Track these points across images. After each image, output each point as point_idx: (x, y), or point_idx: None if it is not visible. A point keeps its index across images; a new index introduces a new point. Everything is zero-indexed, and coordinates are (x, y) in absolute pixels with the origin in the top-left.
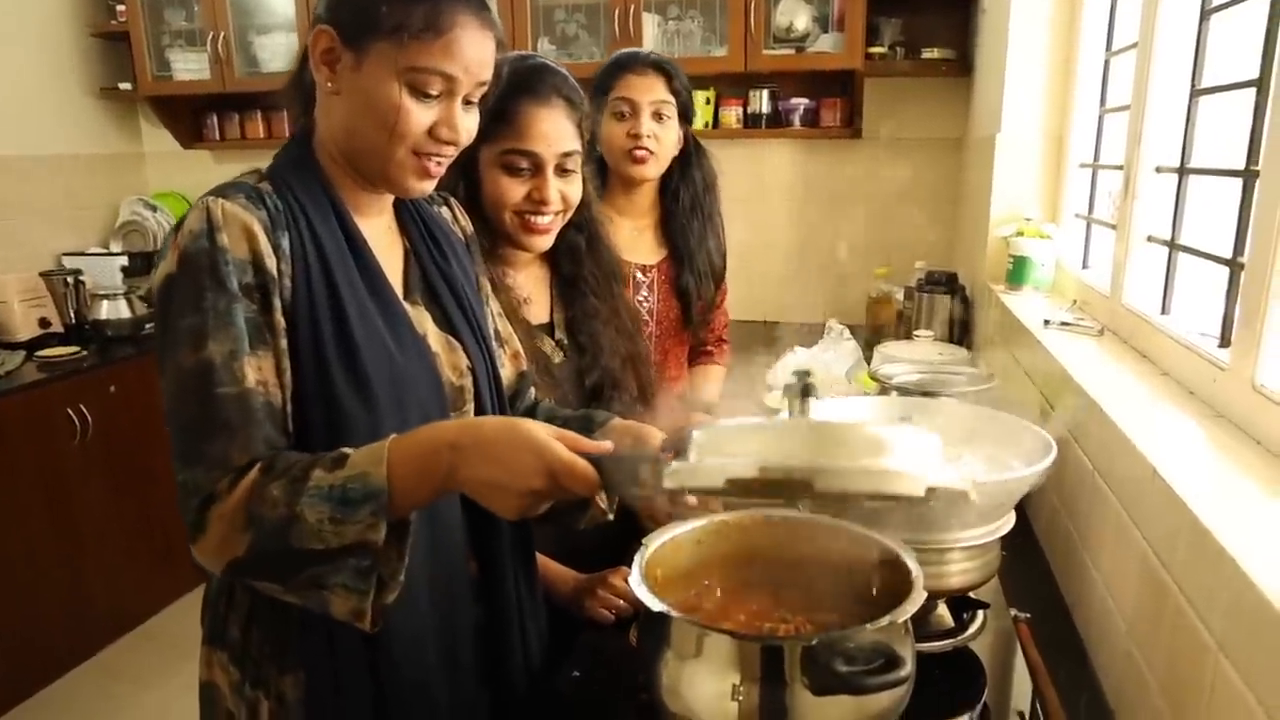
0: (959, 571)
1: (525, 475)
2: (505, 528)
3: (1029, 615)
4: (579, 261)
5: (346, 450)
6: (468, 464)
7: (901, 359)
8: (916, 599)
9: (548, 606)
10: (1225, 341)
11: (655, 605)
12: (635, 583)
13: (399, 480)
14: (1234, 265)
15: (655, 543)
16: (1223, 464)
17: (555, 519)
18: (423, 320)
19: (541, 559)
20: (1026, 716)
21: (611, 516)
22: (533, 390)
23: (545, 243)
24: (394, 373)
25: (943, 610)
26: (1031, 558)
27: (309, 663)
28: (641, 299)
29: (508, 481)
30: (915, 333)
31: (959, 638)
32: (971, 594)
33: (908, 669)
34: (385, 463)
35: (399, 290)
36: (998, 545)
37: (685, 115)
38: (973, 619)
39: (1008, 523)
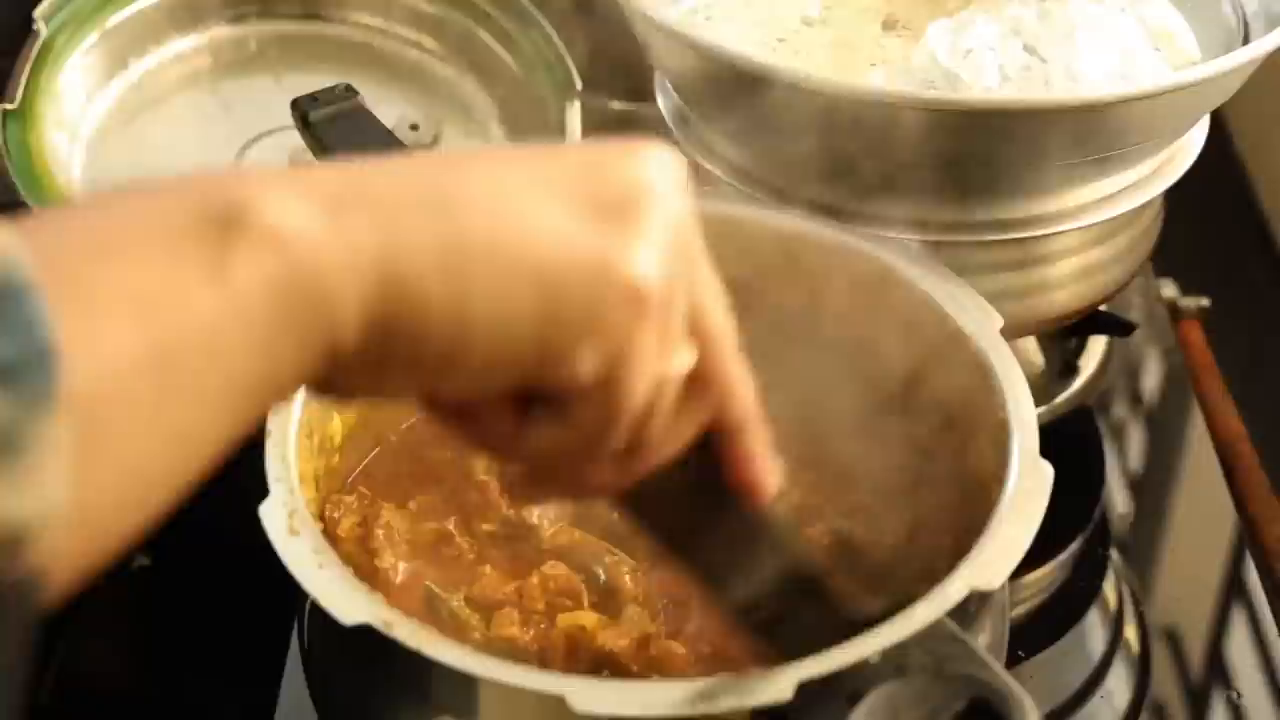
0: (1077, 274)
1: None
2: None
3: (1205, 303)
4: None
5: None
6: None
7: None
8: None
9: None
10: None
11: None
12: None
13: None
14: None
15: None
16: None
17: None
18: None
19: None
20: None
21: None
22: None
23: None
24: None
25: (1028, 346)
26: (1211, 211)
27: None
28: None
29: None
30: None
31: (1063, 394)
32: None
33: None
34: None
35: None
36: (1157, 206)
37: None
38: (1080, 349)
39: (1185, 155)
